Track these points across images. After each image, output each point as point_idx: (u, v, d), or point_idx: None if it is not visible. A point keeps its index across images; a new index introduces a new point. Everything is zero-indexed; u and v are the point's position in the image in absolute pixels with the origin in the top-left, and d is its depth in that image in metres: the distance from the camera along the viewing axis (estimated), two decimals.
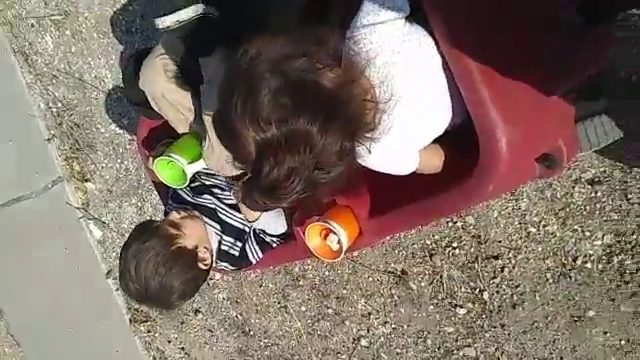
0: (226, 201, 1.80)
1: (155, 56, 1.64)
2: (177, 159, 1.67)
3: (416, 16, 1.21)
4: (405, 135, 1.20)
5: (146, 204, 2.81)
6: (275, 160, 0.97)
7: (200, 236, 1.73)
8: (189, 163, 1.68)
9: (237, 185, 1.63)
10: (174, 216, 1.73)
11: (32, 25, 2.75)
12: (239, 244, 1.79)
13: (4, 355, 3.77)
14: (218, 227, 1.77)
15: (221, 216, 1.78)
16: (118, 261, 1.66)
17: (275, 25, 1.21)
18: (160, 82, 1.62)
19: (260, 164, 0.98)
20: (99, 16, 2.50)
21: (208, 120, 1.51)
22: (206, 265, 1.70)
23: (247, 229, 1.78)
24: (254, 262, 1.79)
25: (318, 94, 0.99)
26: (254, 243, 1.77)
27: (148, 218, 2.83)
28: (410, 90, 1.17)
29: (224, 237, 1.78)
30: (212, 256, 1.74)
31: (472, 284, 1.92)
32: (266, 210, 1.60)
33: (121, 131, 2.73)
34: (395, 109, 1.17)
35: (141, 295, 1.60)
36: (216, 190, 1.82)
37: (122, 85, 2.53)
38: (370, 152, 1.13)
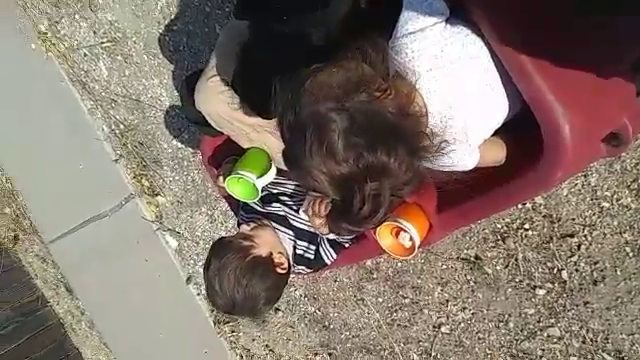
0: (295, 207, 1.84)
1: (207, 79, 1.68)
2: (247, 175, 1.71)
3: (457, 16, 1.19)
4: (465, 135, 1.20)
5: (216, 212, 2.90)
6: (362, 195, 1.00)
7: (272, 243, 1.78)
8: (258, 177, 1.72)
9: (309, 204, 1.67)
10: (244, 229, 1.79)
11: (85, 54, 2.86)
12: (313, 247, 1.83)
13: None
14: (291, 233, 1.82)
15: (292, 222, 1.83)
16: (204, 281, 1.73)
17: (322, 54, 1.22)
18: (215, 103, 1.66)
19: (348, 200, 1.02)
20: (147, 39, 2.57)
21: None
22: (284, 269, 1.76)
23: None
24: (329, 263, 1.83)
25: (384, 124, 1.02)
26: (327, 245, 1.81)
27: (219, 225, 2.93)
28: (461, 92, 1.16)
29: (298, 242, 1.82)
30: (289, 260, 1.79)
31: (549, 264, 1.89)
32: (348, 235, 1.64)
33: (183, 145, 2.82)
34: (450, 113, 1.17)
35: (230, 308, 1.68)
36: (284, 197, 1.86)
37: (179, 103, 2.61)
38: (435, 159, 1.14)
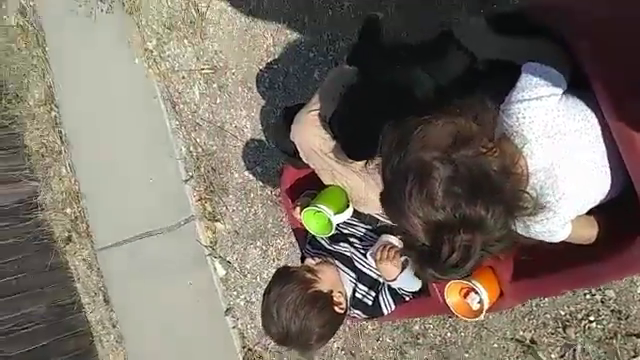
0: (362, 250, 1.87)
1: (307, 111, 1.77)
2: (324, 210, 1.76)
3: (574, 89, 1.24)
4: (562, 208, 1.22)
5: (270, 248, 2.94)
6: (453, 244, 1.03)
7: (334, 281, 1.80)
8: (335, 214, 1.77)
9: (378, 249, 1.70)
10: (310, 262, 1.83)
11: (183, 77, 3.03)
12: (373, 293, 1.84)
13: None
14: (354, 275, 1.84)
15: (357, 265, 1.85)
16: (261, 306, 1.75)
17: (425, 102, 1.28)
18: (310, 135, 1.74)
19: (438, 247, 1.05)
20: (246, 72, 2.72)
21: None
22: (341, 309, 1.77)
23: (381, 279, 1.82)
24: (386, 313, 1.83)
25: (486, 180, 1.05)
26: (387, 294, 1.82)
27: (270, 261, 2.96)
28: (565, 163, 1.19)
29: (359, 285, 1.84)
30: (347, 301, 1.80)
31: None
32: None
33: (254, 178, 2.90)
34: (551, 182, 1.20)
35: (282, 337, 1.68)
36: (353, 239, 1.90)
37: (261, 137, 2.72)
38: (529, 224, 1.17)
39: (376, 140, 1.16)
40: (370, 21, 1.99)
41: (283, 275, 1.79)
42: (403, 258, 1.68)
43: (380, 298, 1.83)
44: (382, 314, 1.84)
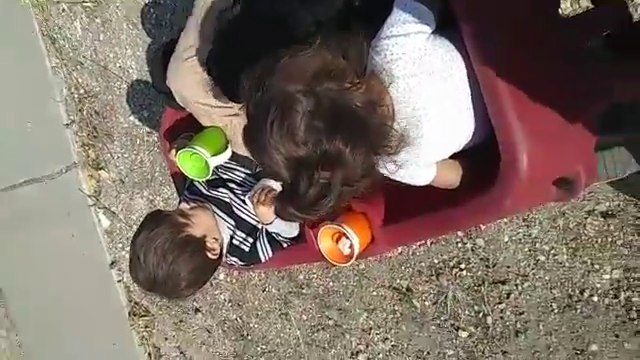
0: (242, 197, 1.81)
1: (183, 59, 1.65)
2: (201, 151, 1.67)
3: (444, 30, 1.22)
4: (424, 149, 1.21)
5: (157, 198, 2.82)
6: (310, 180, 1.00)
7: (209, 226, 1.73)
8: (212, 155, 1.69)
9: (255, 192, 1.65)
10: (184, 206, 1.76)
11: (63, 10, 2.79)
12: (250, 240, 1.79)
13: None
14: (231, 222, 1.78)
15: (235, 211, 1.79)
16: (129, 250, 1.66)
17: (301, 37, 1.22)
18: (186, 84, 1.64)
19: (296, 183, 1.01)
20: (131, 7, 2.53)
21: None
22: (214, 255, 1.71)
23: (260, 226, 1.78)
24: (263, 260, 1.79)
25: (349, 115, 1.02)
26: (265, 241, 1.78)
27: None
28: (430, 104, 1.18)
29: (237, 232, 1.78)
30: (222, 247, 1.75)
31: (476, 307, 1.90)
32: (293, 220, 1.62)
33: (140, 123, 2.75)
34: (415, 122, 1.18)
35: (149, 283, 1.61)
36: (232, 185, 1.83)
37: (148, 76, 2.57)
38: (391, 165, 1.14)
39: None
40: None
41: (152, 218, 1.70)
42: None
43: (257, 244, 1.79)
44: (259, 261, 1.80)
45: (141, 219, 2.84)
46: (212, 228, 1.73)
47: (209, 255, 1.69)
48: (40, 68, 2.96)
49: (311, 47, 1.07)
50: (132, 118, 2.76)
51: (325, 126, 0.99)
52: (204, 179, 1.79)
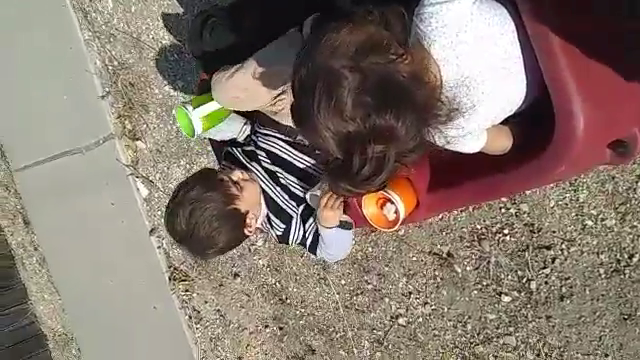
0: (275, 184, 1.81)
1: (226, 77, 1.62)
2: (186, 108, 1.67)
3: None
4: (476, 116, 1.19)
5: (194, 167, 2.84)
6: (363, 155, 1.00)
7: (253, 203, 1.75)
8: (194, 108, 1.68)
9: (324, 195, 1.62)
10: (237, 175, 1.74)
11: None
12: (283, 226, 1.80)
13: (43, 301, 3.90)
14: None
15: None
16: (171, 196, 1.69)
17: (341, 11, 1.20)
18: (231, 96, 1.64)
19: (349, 159, 1.01)
20: None
21: None
22: (249, 232, 1.73)
23: (294, 214, 1.78)
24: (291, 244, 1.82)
25: (396, 87, 1.01)
26: (302, 229, 1.78)
27: None
28: (481, 69, 1.15)
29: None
30: (255, 225, 1.77)
31: (520, 273, 1.90)
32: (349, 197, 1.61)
33: (175, 93, 2.75)
34: (464, 90, 1.16)
35: (183, 236, 1.65)
36: (266, 164, 1.82)
37: (181, 46, 2.56)
38: (442, 134, 1.13)
39: None
40: None
41: (208, 179, 1.72)
42: (346, 217, 1.64)
43: (291, 229, 1.79)
44: (287, 243, 1.82)
45: None
46: (255, 205, 1.76)
47: (245, 231, 1.72)
48: (73, 41, 2.97)
49: (353, 20, 1.05)
50: (167, 88, 2.76)
51: (373, 100, 0.99)
52: (193, 137, 1.78)
